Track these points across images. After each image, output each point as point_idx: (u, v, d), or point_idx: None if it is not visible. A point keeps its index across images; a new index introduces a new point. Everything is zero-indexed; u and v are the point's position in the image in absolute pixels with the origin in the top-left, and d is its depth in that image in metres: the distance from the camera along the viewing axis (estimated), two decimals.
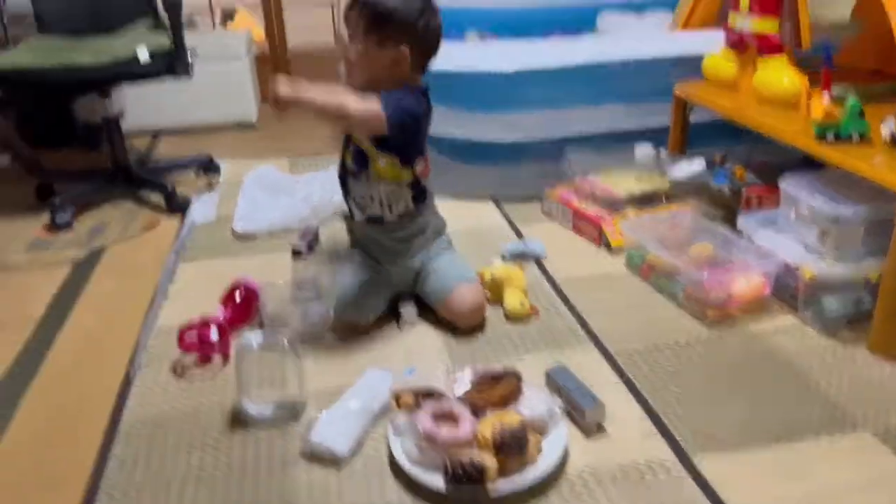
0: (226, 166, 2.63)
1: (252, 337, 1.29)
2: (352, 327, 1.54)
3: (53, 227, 2.15)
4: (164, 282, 1.82)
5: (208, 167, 2.55)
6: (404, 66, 1.46)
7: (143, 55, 2.10)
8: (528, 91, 2.21)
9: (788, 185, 1.61)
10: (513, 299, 1.58)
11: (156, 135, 3.14)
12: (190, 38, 2.90)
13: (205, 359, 1.46)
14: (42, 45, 2.19)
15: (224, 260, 1.93)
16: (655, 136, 2.21)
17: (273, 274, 1.80)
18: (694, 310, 1.58)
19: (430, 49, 1.51)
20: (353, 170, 1.56)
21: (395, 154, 1.51)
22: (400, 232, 1.58)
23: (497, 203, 2.24)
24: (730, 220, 1.83)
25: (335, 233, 2.06)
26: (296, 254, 1.92)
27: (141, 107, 2.98)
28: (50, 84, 2.09)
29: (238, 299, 1.60)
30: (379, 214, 1.57)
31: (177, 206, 2.23)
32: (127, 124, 3.02)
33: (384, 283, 1.58)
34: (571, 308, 1.63)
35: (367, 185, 1.55)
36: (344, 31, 1.49)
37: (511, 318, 1.58)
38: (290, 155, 2.79)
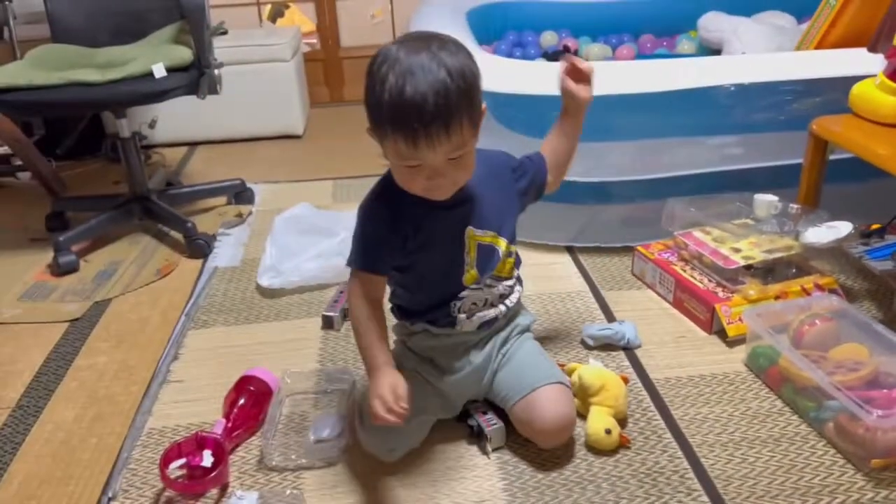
0: (261, 192, 2.30)
1: (243, 500, 0.95)
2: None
3: (56, 268, 1.85)
4: (166, 358, 1.50)
5: (241, 194, 2.22)
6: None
7: (159, 71, 1.77)
8: (616, 118, 1.79)
9: None
10: (598, 423, 1.19)
11: (192, 146, 2.84)
12: (229, 39, 2.62)
13: (195, 496, 1.12)
14: (48, 58, 1.89)
15: (242, 328, 1.59)
16: (775, 178, 1.78)
17: (298, 353, 1.48)
18: (848, 451, 1.16)
19: None
20: (478, 280, 1.16)
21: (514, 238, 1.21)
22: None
23: (574, 255, 1.84)
24: (884, 304, 1.40)
25: None
26: (328, 324, 1.58)
27: (177, 115, 2.69)
28: (48, 105, 1.78)
29: (244, 401, 1.26)
30: (494, 315, 1.21)
31: (197, 249, 1.91)
32: (162, 134, 2.79)
33: (431, 409, 1.20)
34: (677, 434, 1.23)
35: (484, 289, 1.19)
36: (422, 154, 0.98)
37: (592, 447, 1.19)
38: (334, 175, 2.45)
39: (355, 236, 1.12)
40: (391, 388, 1.00)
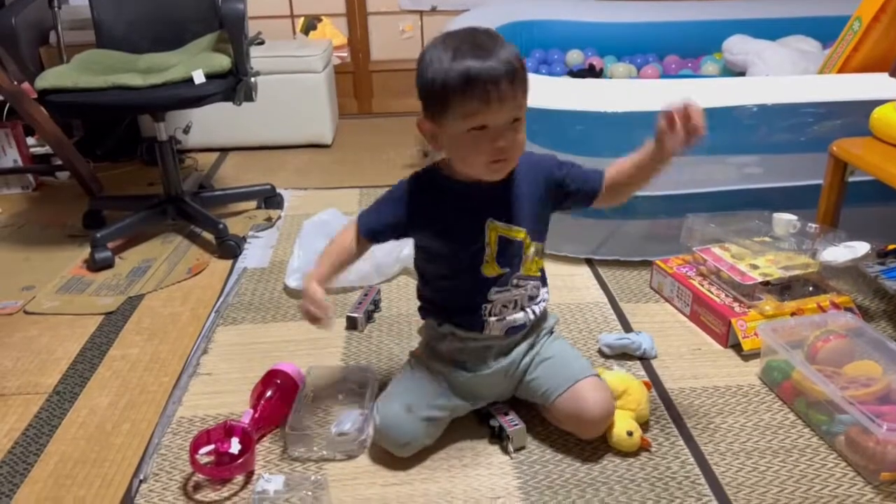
0: (290, 197, 2.36)
1: (270, 483, 0.99)
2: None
3: (93, 264, 1.92)
4: (196, 352, 1.55)
5: (270, 198, 2.29)
6: None
7: (199, 77, 1.84)
8: (640, 135, 1.83)
9: None
10: (620, 425, 1.22)
11: (224, 151, 2.92)
12: (264, 49, 2.70)
13: (221, 481, 1.17)
14: (93, 62, 1.97)
15: (269, 326, 1.65)
16: (794, 198, 1.80)
17: (322, 351, 1.54)
18: (859, 464, 1.18)
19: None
20: (503, 274, 1.19)
21: (542, 238, 1.23)
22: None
23: (593, 268, 1.87)
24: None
25: (400, 297, 1.75)
26: (351, 325, 1.62)
27: (211, 121, 2.77)
28: (92, 107, 1.85)
29: (271, 394, 1.31)
30: (523, 322, 1.25)
31: (227, 250, 1.97)
32: (196, 139, 2.87)
33: (450, 409, 1.25)
34: (690, 442, 1.26)
35: (513, 289, 1.21)
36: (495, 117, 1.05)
37: (614, 447, 1.23)
38: (361, 183, 2.51)
39: (378, 199, 1.22)
40: (311, 299, 1.16)
